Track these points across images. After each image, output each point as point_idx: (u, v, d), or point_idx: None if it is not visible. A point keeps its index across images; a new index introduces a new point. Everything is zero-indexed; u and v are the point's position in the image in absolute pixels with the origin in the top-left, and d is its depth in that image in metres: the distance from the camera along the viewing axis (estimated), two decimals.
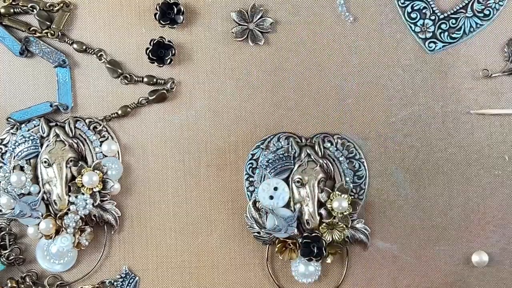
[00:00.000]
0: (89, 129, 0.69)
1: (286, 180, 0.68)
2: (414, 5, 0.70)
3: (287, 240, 0.68)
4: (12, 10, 0.68)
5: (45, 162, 0.67)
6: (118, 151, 0.69)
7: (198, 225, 0.69)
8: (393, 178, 0.69)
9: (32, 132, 0.68)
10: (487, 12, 0.69)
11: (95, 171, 0.67)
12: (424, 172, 0.69)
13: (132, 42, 0.69)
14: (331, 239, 0.67)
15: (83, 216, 0.67)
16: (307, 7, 0.70)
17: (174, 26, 0.68)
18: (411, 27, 0.69)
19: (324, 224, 0.67)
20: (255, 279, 0.69)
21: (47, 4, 0.68)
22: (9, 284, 0.68)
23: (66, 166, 0.67)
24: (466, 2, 0.69)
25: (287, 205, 0.68)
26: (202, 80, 0.70)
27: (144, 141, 0.69)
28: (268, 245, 0.69)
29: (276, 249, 0.68)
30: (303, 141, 0.69)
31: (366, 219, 0.68)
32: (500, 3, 0.69)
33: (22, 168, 0.67)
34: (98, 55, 0.68)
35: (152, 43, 0.68)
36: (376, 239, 0.69)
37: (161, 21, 0.68)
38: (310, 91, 0.70)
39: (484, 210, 0.69)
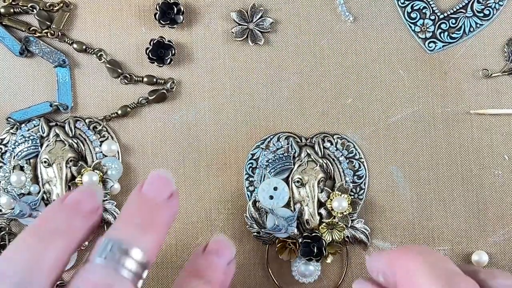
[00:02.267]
0: (89, 129, 0.69)
1: (286, 180, 0.68)
2: (414, 5, 0.70)
3: (287, 240, 0.68)
4: (12, 10, 0.68)
5: (45, 162, 0.67)
6: (118, 151, 0.69)
7: (198, 225, 0.69)
8: (393, 178, 0.69)
9: (32, 132, 0.68)
10: (487, 12, 0.69)
11: (95, 171, 0.67)
12: (424, 172, 0.69)
13: (132, 42, 0.69)
14: (331, 239, 0.67)
15: None
16: (307, 7, 0.70)
17: (174, 26, 0.68)
18: (411, 27, 0.70)
19: (324, 224, 0.67)
20: (255, 279, 0.69)
21: (47, 4, 0.68)
22: None
23: (66, 166, 0.67)
24: (466, 2, 0.69)
25: (287, 205, 0.68)
26: (202, 80, 0.70)
27: (144, 141, 0.69)
28: (268, 245, 0.69)
29: (276, 249, 0.68)
30: (303, 141, 0.69)
31: (366, 219, 0.68)
32: (500, 3, 0.69)
33: (22, 168, 0.67)
34: (98, 55, 0.68)
35: (152, 43, 0.68)
36: (376, 239, 0.69)
37: (161, 21, 0.68)
38: (310, 91, 0.70)
39: (484, 210, 0.69)
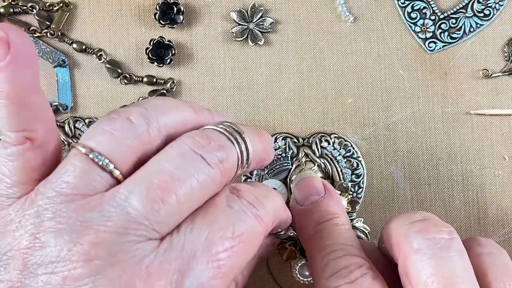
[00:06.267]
0: None
1: (284, 181, 0.68)
2: (414, 5, 0.69)
3: (287, 240, 0.68)
4: (11, 10, 0.68)
5: None
6: None
7: None
8: (393, 178, 0.69)
9: None
10: (487, 12, 0.69)
11: None
12: (424, 172, 0.69)
13: (132, 42, 0.70)
14: None
15: None
16: (307, 7, 0.70)
17: (174, 26, 0.68)
18: (411, 27, 0.69)
19: None
20: (255, 279, 0.69)
21: (47, 4, 0.68)
22: None
23: None
24: (466, 2, 0.69)
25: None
26: (202, 80, 0.70)
27: None
28: None
29: (276, 249, 0.68)
30: (300, 141, 0.69)
31: (365, 219, 0.68)
32: (501, 3, 0.69)
33: None
34: (98, 55, 0.69)
35: (152, 43, 0.68)
36: (376, 239, 0.69)
37: (161, 21, 0.68)
38: (310, 91, 0.70)
39: (484, 210, 0.69)
